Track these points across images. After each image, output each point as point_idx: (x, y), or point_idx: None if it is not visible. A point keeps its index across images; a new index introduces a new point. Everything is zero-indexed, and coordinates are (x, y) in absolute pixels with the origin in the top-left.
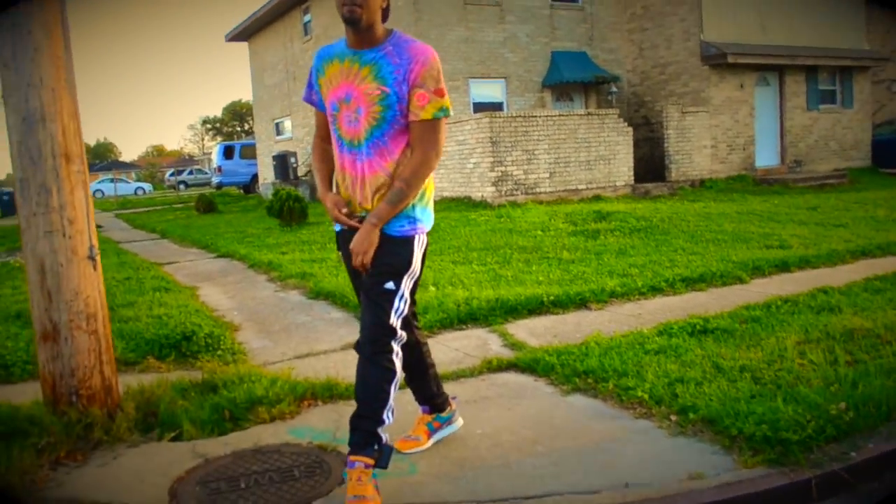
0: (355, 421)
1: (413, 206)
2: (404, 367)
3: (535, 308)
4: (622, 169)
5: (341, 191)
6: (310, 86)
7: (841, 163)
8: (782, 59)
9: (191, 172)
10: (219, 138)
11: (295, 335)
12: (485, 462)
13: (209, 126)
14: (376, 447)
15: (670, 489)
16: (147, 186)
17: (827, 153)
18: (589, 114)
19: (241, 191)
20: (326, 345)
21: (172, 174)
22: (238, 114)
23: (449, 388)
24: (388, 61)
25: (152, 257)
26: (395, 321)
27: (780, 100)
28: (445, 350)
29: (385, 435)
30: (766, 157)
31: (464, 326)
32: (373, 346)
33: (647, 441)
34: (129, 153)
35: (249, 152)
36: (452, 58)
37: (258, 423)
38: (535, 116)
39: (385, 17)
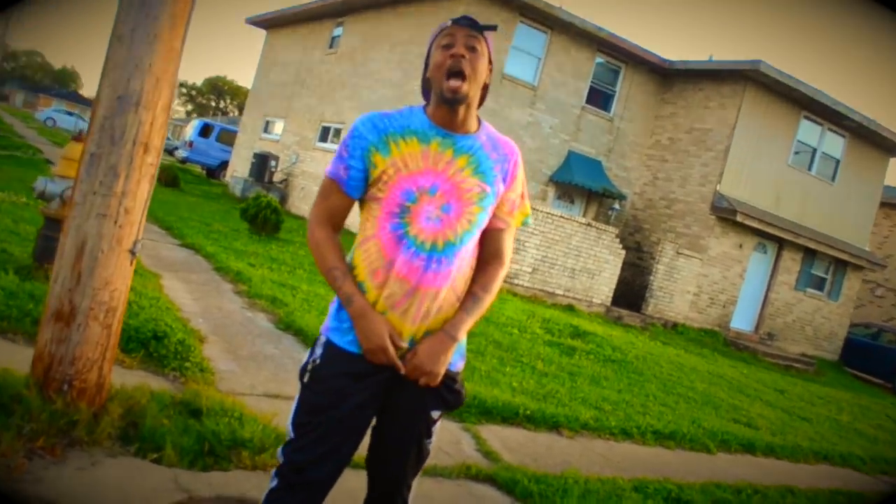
0: None
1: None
2: None
3: (510, 417)
4: (603, 288)
5: (379, 305)
6: (342, 159)
7: (811, 349)
8: (786, 232)
9: None
10: (189, 106)
11: (264, 368)
12: None
13: (184, 91)
14: None
15: None
16: None
17: (801, 336)
18: (589, 224)
19: (205, 172)
20: (296, 390)
21: None
22: (218, 89)
23: (426, 483)
24: (487, 155)
25: None
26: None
27: (773, 271)
28: None
29: None
30: (741, 321)
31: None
32: None
33: None
34: (91, 89)
35: (227, 137)
36: None
37: (240, 468)
38: (537, 210)
39: (482, 100)
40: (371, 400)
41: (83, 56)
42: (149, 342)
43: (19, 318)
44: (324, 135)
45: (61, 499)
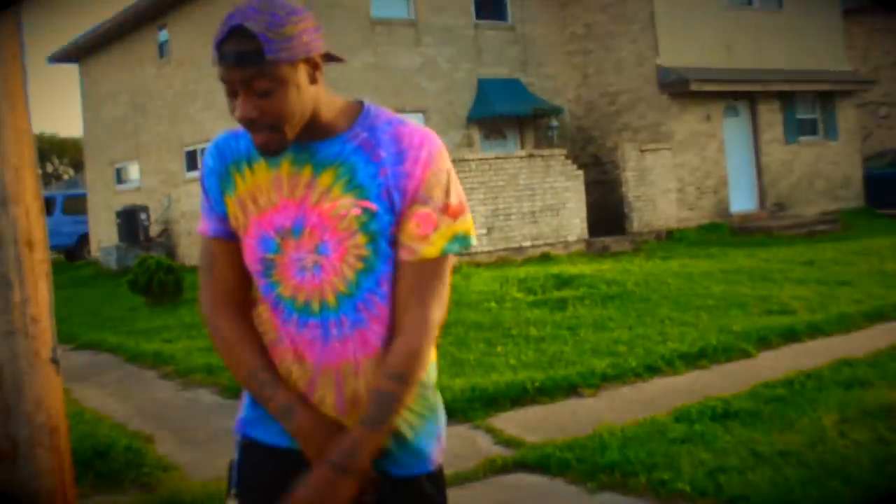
0: None
1: (432, 408)
2: None
3: (519, 397)
4: (574, 220)
5: (267, 383)
6: (211, 208)
7: (830, 204)
8: (753, 84)
9: None
10: None
11: (228, 445)
12: None
13: None
14: None
15: None
16: None
17: (813, 194)
18: (531, 155)
19: (63, 256)
20: None
21: None
22: (40, 151)
23: (455, 494)
24: (367, 157)
25: None
26: None
27: (754, 133)
28: None
29: None
30: (742, 201)
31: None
32: None
33: None
34: None
35: (74, 205)
36: (359, 88)
37: None
38: (467, 160)
39: (313, 81)
40: None
41: None
42: (93, 461)
43: None
44: (191, 162)
45: None
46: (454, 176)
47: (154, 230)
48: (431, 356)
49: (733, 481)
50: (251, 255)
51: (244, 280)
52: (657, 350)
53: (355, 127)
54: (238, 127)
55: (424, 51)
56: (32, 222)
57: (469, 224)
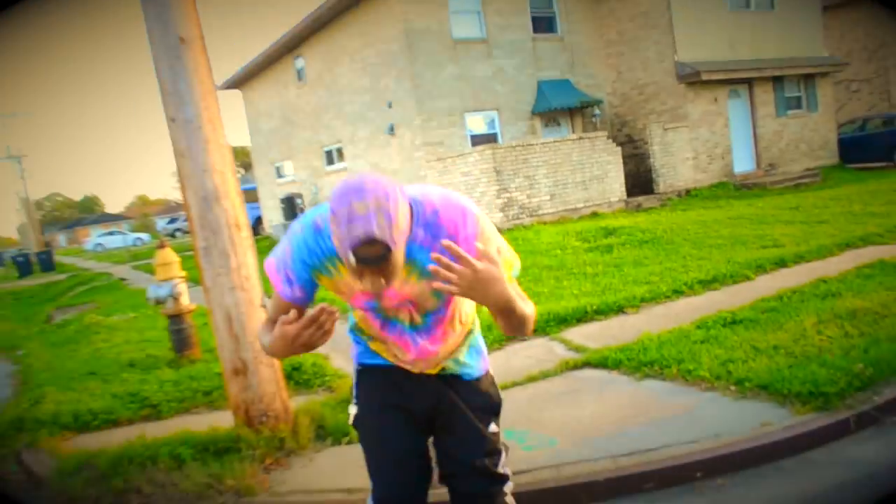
0: None
1: (477, 346)
2: None
3: (582, 317)
4: (615, 186)
5: (392, 360)
6: (289, 282)
7: (811, 162)
8: (750, 72)
9: (184, 219)
10: None
11: None
12: (605, 430)
13: None
14: None
15: (751, 433)
16: (145, 236)
17: (798, 155)
18: (580, 138)
19: None
20: None
21: (169, 222)
22: None
23: (541, 385)
24: (428, 251)
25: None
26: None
27: (752, 110)
28: (520, 358)
29: None
30: (743, 164)
31: (525, 338)
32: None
33: (718, 405)
34: (113, 205)
35: (249, 196)
36: (448, 95)
37: None
38: (533, 145)
39: None
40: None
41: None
42: (291, 374)
43: (193, 397)
44: (329, 159)
45: (307, 485)
46: (490, 227)
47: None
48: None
49: (739, 368)
50: (359, 304)
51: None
52: (681, 278)
53: (414, 228)
54: (314, 223)
55: (495, 62)
56: (237, 211)
57: (514, 258)
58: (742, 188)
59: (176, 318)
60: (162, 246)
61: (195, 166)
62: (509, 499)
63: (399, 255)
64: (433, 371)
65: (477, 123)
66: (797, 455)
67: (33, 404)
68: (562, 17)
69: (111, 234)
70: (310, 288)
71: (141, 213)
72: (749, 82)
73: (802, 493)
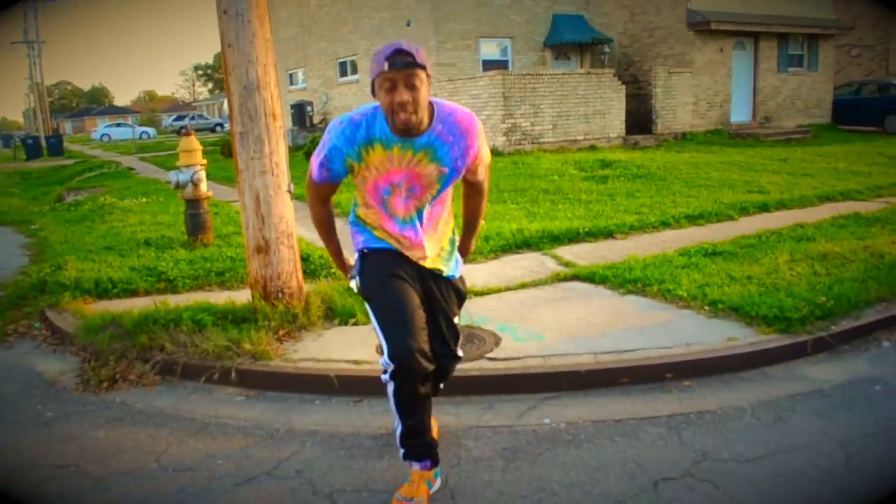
0: (410, 439)
1: (454, 251)
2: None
3: (573, 237)
4: (615, 122)
5: (376, 232)
6: (323, 166)
7: (805, 119)
8: (758, 26)
9: (192, 118)
10: (210, 85)
11: None
12: (588, 332)
13: (200, 72)
14: (431, 454)
15: (718, 346)
16: (151, 131)
17: (793, 111)
18: (588, 73)
19: None
20: None
21: (176, 119)
22: None
23: (532, 292)
24: (443, 142)
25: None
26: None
27: (755, 63)
28: (514, 268)
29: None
30: (739, 114)
31: (520, 251)
32: (449, 371)
33: (692, 321)
34: (121, 98)
35: None
36: (465, 19)
37: None
38: (542, 75)
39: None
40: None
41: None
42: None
43: (206, 276)
44: (342, 70)
45: (318, 355)
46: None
47: (317, 119)
48: (453, 226)
49: (714, 292)
50: (375, 192)
51: (331, 195)
52: (670, 212)
53: (434, 123)
54: (361, 109)
55: None
56: (275, 102)
57: (489, 156)
58: (736, 137)
59: (193, 202)
60: (188, 133)
61: (241, 56)
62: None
63: (426, 78)
64: (425, 265)
65: (490, 49)
66: (757, 368)
67: (55, 270)
68: None
69: (118, 125)
70: (337, 173)
71: (148, 109)
72: (755, 36)
73: (757, 399)
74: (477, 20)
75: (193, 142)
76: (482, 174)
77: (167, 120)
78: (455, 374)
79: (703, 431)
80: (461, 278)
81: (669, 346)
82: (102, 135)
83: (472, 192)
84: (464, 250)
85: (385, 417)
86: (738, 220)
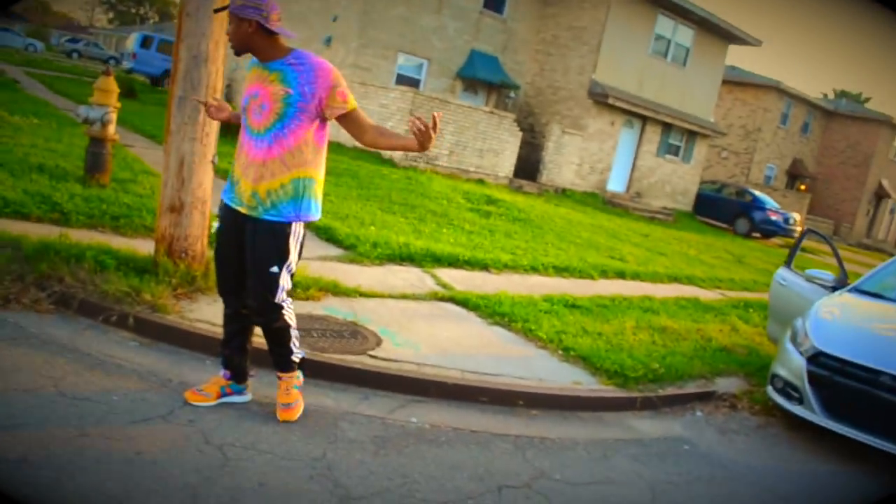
0: (274, 359)
1: (302, 197)
2: (229, 338)
3: (453, 262)
4: (506, 164)
5: (235, 169)
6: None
7: (670, 203)
8: (648, 111)
9: (87, 44)
10: (111, 14)
11: None
12: (457, 351)
13: (104, 1)
14: (295, 363)
15: (565, 386)
16: (38, 44)
17: (662, 193)
18: (492, 112)
19: (149, 81)
20: (308, 253)
21: (70, 41)
22: None
23: (412, 304)
24: (293, 69)
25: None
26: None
27: (638, 142)
28: (397, 278)
29: (300, 354)
30: (615, 184)
31: (403, 263)
32: (264, 319)
33: (546, 361)
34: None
35: (167, 47)
36: (390, 31)
37: (297, 300)
38: (450, 103)
39: (269, 33)
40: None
41: None
42: None
43: (101, 217)
44: None
45: (212, 318)
46: (341, 77)
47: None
48: (317, 172)
49: (569, 340)
50: (241, 106)
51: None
52: (541, 259)
53: (289, 56)
54: None
55: (441, 18)
56: (218, 77)
57: (354, 102)
58: (609, 204)
59: (98, 141)
60: (108, 73)
61: (196, 28)
62: (287, 314)
63: (236, 25)
64: (248, 198)
65: (406, 65)
66: (594, 412)
67: None
68: (510, 3)
69: (5, 30)
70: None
71: (39, 21)
72: (644, 119)
73: (589, 437)
74: (401, 34)
75: (112, 83)
76: (345, 105)
77: (57, 38)
78: (339, 363)
79: (542, 454)
80: (290, 229)
81: (524, 378)
82: None
83: (355, 127)
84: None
85: (271, 388)
86: (598, 280)
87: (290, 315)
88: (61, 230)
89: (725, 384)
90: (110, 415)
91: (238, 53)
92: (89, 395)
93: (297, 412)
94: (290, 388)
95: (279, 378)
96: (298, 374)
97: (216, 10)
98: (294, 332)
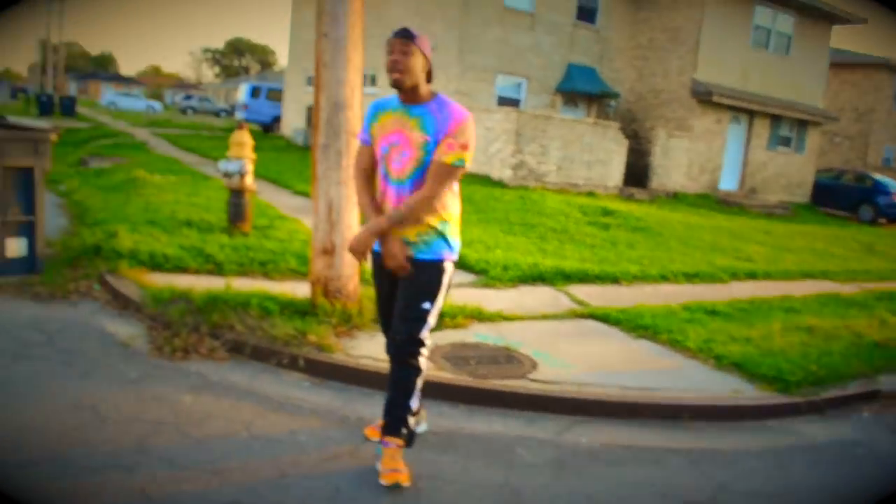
0: (389, 408)
1: (447, 236)
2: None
3: (583, 278)
4: (614, 173)
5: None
6: (363, 130)
7: (787, 196)
8: (755, 104)
9: (199, 99)
10: (216, 69)
11: None
12: (610, 367)
13: (209, 56)
14: (405, 430)
15: (726, 395)
16: (157, 105)
17: (777, 187)
18: (596, 123)
19: (261, 129)
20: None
21: (185, 98)
22: (238, 50)
23: (553, 324)
24: (433, 116)
25: None
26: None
27: (747, 137)
28: (531, 298)
29: (412, 419)
30: (727, 182)
31: (535, 284)
32: (404, 352)
33: (699, 371)
34: (125, 68)
35: (274, 95)
36: (487, 54)
37: (447, 329)
38: (553, 118)
39: (429, 80)
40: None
41: (113, 41)
42: None
43: (249, 263)
44: (364, 81)
45: (374, 354)
46: (473, 134)
47: None
48: (454, 213)
49: (718, 347)
50: (378, 153)
51: (369, 161)
52: (668, 267)
53: (432, 102)
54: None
55: (536, 36)
56: (356, 121)
57: (467, 156)
58: (723, 203)
59: (237, 192)
60: (241, 127)
61: (334, 77)
62: (424, 354)
63: (416, 52)
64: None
65: (505, 86)
66: (758, 420)
67: (109, 237)
68: (602, 12)
69: (127, 95)
70: (367, 135)
71: (154, 83)
72: (751, 113)
73: (761, 446)
74: (498, 56)
75: (246, 135)
76: (443, 155)
77: (171, 97)
78: (503, 389)
79: (718, 466)
80: (442, 267)
81: (685, 389)
82: (109, 102)
83: (430, 174)
84: (391, 213)
85: (441, 418)
86: (729, 283)
87: (425, 360)
88: (221, 279)
89: (889, 382)
90: (303, 455)
91: (396, 85)
92: (279, 436)
93: (406, 476)
94: (395, 456)
95: (384, 444)
96: (402, 442)
97: (413, 37)
98: (419, 384)
